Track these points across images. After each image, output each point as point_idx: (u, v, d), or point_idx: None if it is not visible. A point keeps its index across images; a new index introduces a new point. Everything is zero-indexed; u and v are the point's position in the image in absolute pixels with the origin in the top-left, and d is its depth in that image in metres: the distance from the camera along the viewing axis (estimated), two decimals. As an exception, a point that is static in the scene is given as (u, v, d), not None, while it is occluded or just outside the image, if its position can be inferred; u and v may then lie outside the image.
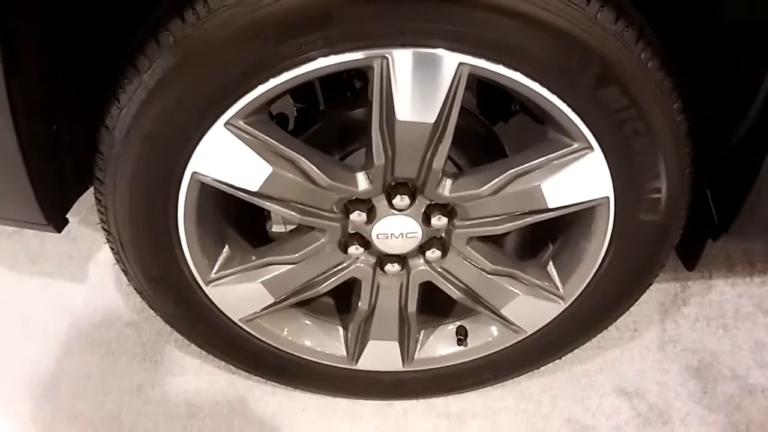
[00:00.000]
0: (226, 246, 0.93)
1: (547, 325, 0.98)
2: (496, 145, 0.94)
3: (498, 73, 0.72)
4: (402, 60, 0.71)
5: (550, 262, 0.96)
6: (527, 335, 1.00)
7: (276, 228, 0.94)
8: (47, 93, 0.78)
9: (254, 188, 0.80)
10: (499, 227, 0.88)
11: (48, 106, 0.79)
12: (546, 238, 0.97)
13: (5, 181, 0.81)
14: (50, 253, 1.35)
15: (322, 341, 1.03)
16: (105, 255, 1.33)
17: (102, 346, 1.22)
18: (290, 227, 0.93)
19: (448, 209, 0.86)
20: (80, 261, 1.34)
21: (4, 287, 1.31)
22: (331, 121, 0.90)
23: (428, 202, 0.85)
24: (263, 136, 0.77)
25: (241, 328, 0.98)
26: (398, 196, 0.83)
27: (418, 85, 0.72)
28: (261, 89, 0.72)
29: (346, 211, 0.85)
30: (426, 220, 0.87)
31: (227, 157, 0.77)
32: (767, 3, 0.77)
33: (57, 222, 0.89)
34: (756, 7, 0.78)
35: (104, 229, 0.87)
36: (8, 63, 0.68)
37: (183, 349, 1.20)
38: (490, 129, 0.94)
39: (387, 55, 0.70)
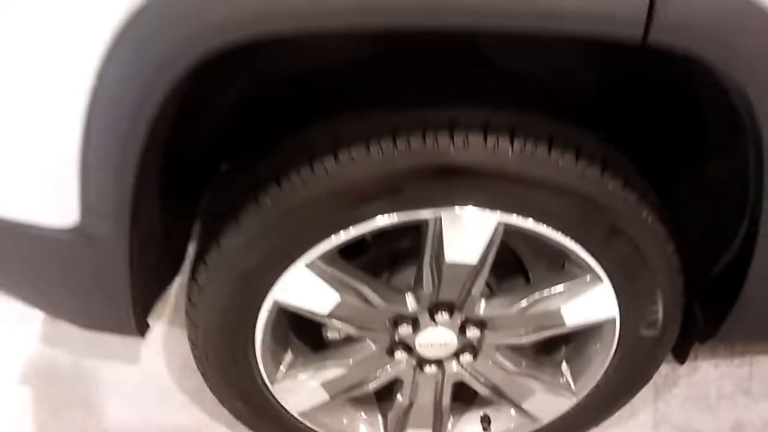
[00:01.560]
0: (289, 350, 1.08)
1: (560, 415, 1.15)
2: (522, 269, 1.12)
3: (528, 227, 0.90)
4: (452, 218, 0.88)
5: (564, 362, 1.13)
6: (543, 424, 1.17)
7: (331, 335, 1.10)
8: (158, 228, 0.94)
9: (325, 312, 0.97)
10: (524, 338, 1.05)
11: (156, 237, 0.95)
12: (560, 341, 1.14)
13: (108, 298, 0.96)
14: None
15: (364, 429, 1.19)
16: (156, 337, 1.48)
17: (159, 426, 1.36)
18: (344, 335, 1.10)
19: (480, 323, 1.03)
20: (134, 343, 1.48)
21: (64, 368, 1.45)
22: (381, 249, 1.07)
23: (464, 317, 1.02)
24: (334, 270, 0.94)
25: (297, 419, 1.13)
26: (440, 312, 1.01)
27: (464, 236, 0.90)
28: (335, 240, 0.90)
29: (395, 324, 1.02)
30: (462, 331, 1.03)
31: (305, 288, 0.94)
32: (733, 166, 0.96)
33: (142, 327, 1.04)
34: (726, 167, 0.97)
35: (190, 339, 1.02)
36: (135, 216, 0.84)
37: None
38: (517, 256, 1.12)
39: (441, 214, 0.88)
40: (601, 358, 1.07)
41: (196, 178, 1.11)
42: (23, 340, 1.48)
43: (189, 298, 0.97)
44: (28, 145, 0.78)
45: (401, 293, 1.00)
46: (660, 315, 1.01)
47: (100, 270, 0.90)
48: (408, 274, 1.04)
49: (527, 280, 1.13)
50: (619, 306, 0.99)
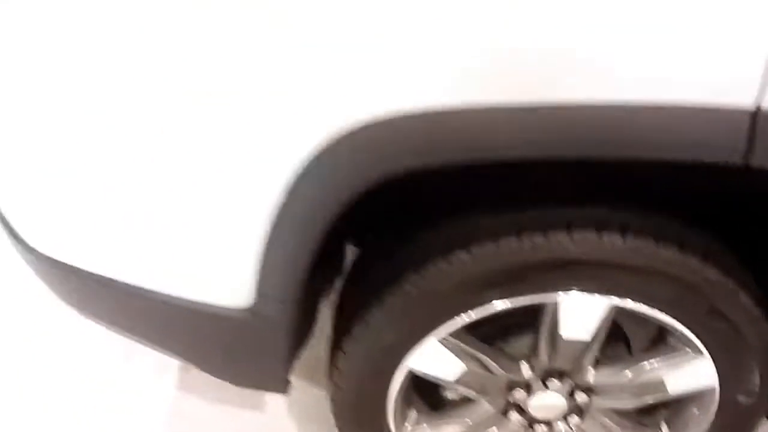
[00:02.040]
0: (414, 409, 1.22)
1: (659, 472, 1.25)
2: (627, 342, 1.24)
3: (636, 309, 1.02)
4: (569, 302, 1.01)
5: (664, 425, 1.23)
6: (643, 479, 1.27)
7: (450, 395, 1.23)
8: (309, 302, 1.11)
9: (452, 379, 1.11)
10: (628, 403, 1.16)
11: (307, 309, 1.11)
12: (661, 404, 1.24)
13: (265, 362, 1.12)
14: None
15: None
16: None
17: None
18: (461, 395, 1.23)
19: (588, 388, 1.15)
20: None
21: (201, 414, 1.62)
22: (494, 322, 1.20)
23: (574, 383, 1.14)
24: (461, 343, 1.08)
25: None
26: (552, 379, 1.13)
27: (579, 318, 1.03)
28: (464, 319, 1.04)
29: (510, 388, 1.15)
30: (571, 395, 1.15)
31: (435, 358, 1.08)
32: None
33: (286, 385, 1.19)
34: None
35: (333, 399, 1.18)
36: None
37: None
38: (623, 331, 1.23)
39: (558, 299, 1.01)
40: (700, 422, 1.17)
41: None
42: (163, 387, 1.68)
43: (335, 365, 1.13)
44: (220, 241, 0.96)
45: (517, 362, 1.13)
46: (757, 384, 1.11)
47: (263, 340, 1.06)
48: (516, 342, 1.17)
49: (628, 346, 1.24)
50: (719, 376, 1.09)
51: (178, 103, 0.86)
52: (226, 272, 0.99)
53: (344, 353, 1.10)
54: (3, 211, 1.11)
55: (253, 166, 0.88)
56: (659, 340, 1.13)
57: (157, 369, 1.67)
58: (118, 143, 0.90)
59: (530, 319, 1.08)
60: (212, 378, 1.33)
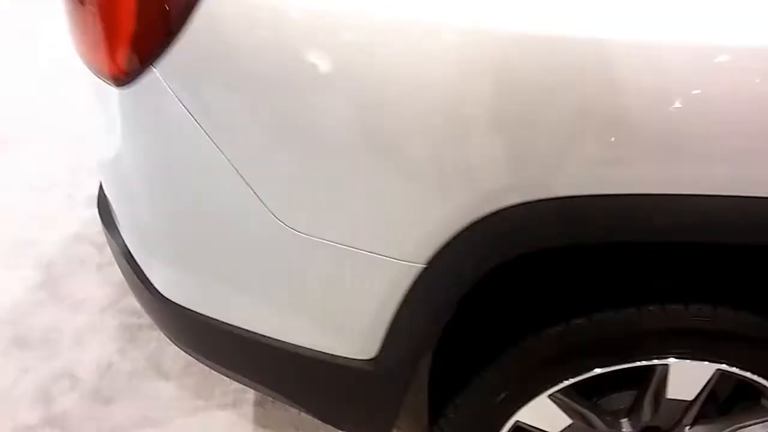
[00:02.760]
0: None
1: None
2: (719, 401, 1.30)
3: (737, 374, 1.08)
4: (678, 367, 1.07)
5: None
6: None
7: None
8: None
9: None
10: (720, 460, 1.22)
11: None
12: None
13: (376, 409, 1.18)
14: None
15: None
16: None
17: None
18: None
19: (684, 445, 1.21)
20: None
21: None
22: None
23: (671, 439, 1.20)
24: (569, 400, 1.14)
25: None
26: (650, 436, 1.19)
27: (687, 380, 1.09)
28: (569, 382, 1.10)
29: (610, 442, 1.21)
30: (666, 450, 1.21)
31: (544, 414, 1.14)
32: None
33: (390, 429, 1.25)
34: None
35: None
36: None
37: None
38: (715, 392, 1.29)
39: (669, 363, 1.07)
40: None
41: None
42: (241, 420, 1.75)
43: (444, 415, 1.19)
44: (359, 302, 1.02)
45: (619, 418, 1.19)
46: None
47: (380, 388, 1.13)
48: (616, 398, 1.23)
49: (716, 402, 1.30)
50: (812, 436, 1.15)
51: (330, 169, 0.92)
52: (359, 328, 1.05)
53: (456, 404, 1.17)
54: (137, 259, 1.18)
55: (400, 237, 0.95)
56: (754, 401, 1.19)
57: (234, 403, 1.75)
58: (265, 207, 0.97)
59: (629, 376, 1.15)
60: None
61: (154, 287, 1.16)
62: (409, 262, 0.96)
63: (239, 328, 1.12)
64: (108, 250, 2.22)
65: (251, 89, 0.89)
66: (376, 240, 0.95)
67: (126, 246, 1.20)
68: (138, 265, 1.18)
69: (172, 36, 0.88)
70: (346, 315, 1.05)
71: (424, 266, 0.96)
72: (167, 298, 1.15)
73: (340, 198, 0.94)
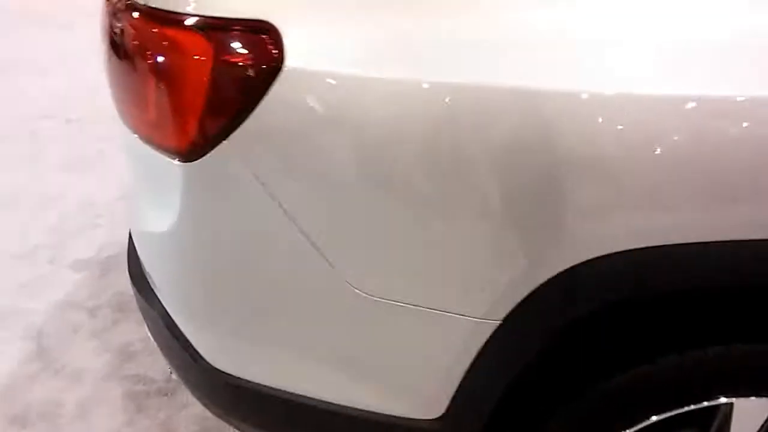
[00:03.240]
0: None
1: None
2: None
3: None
4: (744, 404, 1.09)
5: None
6: None
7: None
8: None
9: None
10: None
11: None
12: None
13: None
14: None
15: None
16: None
17: None
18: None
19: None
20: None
21: None
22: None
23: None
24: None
25: None
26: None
27: (751, 418, 1.10)
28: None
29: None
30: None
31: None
32: None
33: None
34: None
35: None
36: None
37: None
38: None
39: (734, 402, 1.09)
40: None
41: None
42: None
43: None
44: (428, 364, 1.01)
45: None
46: None
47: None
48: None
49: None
50: None
51: (406, 232, 0.92)
52: (428, 388, 1.04)
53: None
54: (182, 328, 1.14)
55: (476, 295, 0.95)
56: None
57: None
58: (336, 272, 0.96)
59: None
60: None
61: (201, 357, 1.13)
62: (484, 319, 0.96)
63: (298, 395, 1.09)
64: (102, 315, 2.16)
65: (325, 161, 0.88)
66: (451, 299, 0.95)
67: (167, 314, 1.16)
68: (182, 334, 1.14)
69: (249, 110, 0.87)
70: (415, 375, 1.04)
71: (500, 323, 0.96)
72: (216, 368, 1.11)
73: (414, 260, 0.93)
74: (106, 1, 1.05)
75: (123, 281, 2.27)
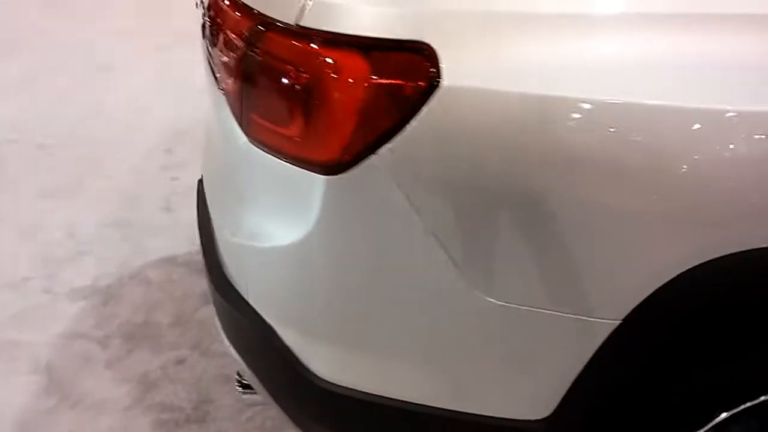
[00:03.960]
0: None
1: None
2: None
3: None
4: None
5: None
6: None
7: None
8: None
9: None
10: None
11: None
12: None
13: None
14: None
15: None
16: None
17: None
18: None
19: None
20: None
21: None
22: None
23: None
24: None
25: None
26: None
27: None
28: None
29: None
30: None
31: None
32: None
33: None
34: None
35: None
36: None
37: None
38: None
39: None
40: None
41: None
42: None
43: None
44: (548, 363, 1.07)
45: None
46: None
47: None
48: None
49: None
50: None
51: (541, 239, 0.98)
52: (541, 389, 1.09)
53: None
54: (294, 347, 1.15)
55: (600, 296, 1.01)
56: None
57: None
58: (468, 282, 1.01)
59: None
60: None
61: (309, 370, 1.14)
62: (605, 320, 1.02)
63: (412, 403, 1.12)
64: (114, 345, 2.10)
65: (472, 174, 0.93)
66: (576, 302, 1.01)
67: (264, 326, 1.16)
68: (283, 347, 1.15)
69: (401, 126, 0.92)
70: (531, 377, 1.09)
71: (620, 322, 1.03)
72: (328, 381, 1.13)
73: (544, 265, 0.99)
74: (224, 19, 1.07)
75: (127, 310, 2.23)
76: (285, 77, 0.96)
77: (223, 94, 1.10)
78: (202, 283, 2.34)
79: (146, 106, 3.68)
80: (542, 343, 1.06)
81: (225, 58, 1.08)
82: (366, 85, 0.91)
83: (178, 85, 4.03)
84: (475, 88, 0.90)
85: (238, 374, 1.46)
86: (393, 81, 0.91)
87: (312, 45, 0.93)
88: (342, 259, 1.03)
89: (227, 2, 1.08)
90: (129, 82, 3.90)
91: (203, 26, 1.30)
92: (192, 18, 1.41)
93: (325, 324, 1.11)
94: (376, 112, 0.92)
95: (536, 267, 0.99)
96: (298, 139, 0.98)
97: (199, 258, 2.41)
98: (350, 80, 0.92)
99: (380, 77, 0.91)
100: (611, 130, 0.90)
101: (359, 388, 1.12)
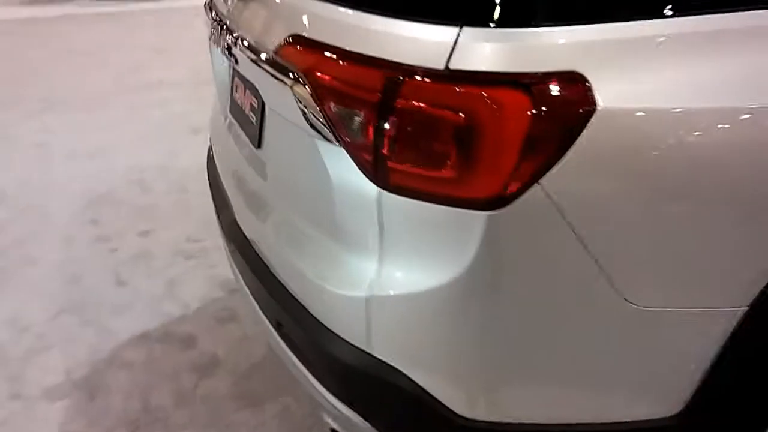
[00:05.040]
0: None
1: None
2: None
3: None
4: None
5: None
6: None
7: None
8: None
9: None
10: None
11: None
12: None
13: None
14: None
15: None
16: None
17: None
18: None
19: None
20: None
21: None
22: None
23: None
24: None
25: None
26: None
27: None
28: None
29: None
30: None
31: None
32: None
33: None
34: None
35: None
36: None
37: None
38: None
39: None
40: None
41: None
42: None
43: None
44: (683, 359, 1.12)
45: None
46: None
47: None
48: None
49: None
50: None
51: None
52: (676, 385, 1.14)
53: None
54: (429, 386, 1.13)
55: (731, 286, 1.08)
56: None
57: None
58: (615, 291, 1.04)
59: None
60: None
61: (458, 414, 1.12)
62: (736, 308, 1.10)
63: (565, 424, 1.14)
64: None
65: (632, 189, 0.98)
66: (713, 296, 1.08)
67: (408, 380, 1.13)
68: (430, 398, 1.12)
69: (562, 153, 0.95)
70: (669, 375, 1.14)
71: (746, 308, 1.11)
72: (478, 420, 1.12)
73: (690, 268, 1.05)
74: (335, 76, 1.05)
75: (120, 399, 2.05)
76: (438, 120, 0.96)
77: (340, 146, 1.07)
78: (190, 356, 2.21)
79: (50, 182, 3.42)
80: (676, 340, 1.12)
81: (340, 114, 1.05)
82: (528, 117, 0.93)
83: (71, 153, 3.80)
84: (626, 108, 0.95)
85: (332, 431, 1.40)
86: (553, 111, 0.94)
87: (467, 86, 0.94)
88: (501, 292, 1.03)
89: (342, 60, 1.06)
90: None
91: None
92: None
93: (475, 361, 1.10)
94: (538, 143, 0.94)
95: (677, 270, 1.05)
96: (455, 179, 0.97)
97: (179, 329, 2.30)
98: (513, 115, 0.93)
99: (540, 109, 0.93)
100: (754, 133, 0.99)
101: (510, 420, 1.13)
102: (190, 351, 2.24)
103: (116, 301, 2.49)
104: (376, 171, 1.04)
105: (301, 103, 1.13)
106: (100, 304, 2.48)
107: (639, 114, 0.96)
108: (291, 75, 1.15)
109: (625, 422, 1.17)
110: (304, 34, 1.16)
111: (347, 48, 1.07)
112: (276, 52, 1.20)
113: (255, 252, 1.46)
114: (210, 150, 2.01)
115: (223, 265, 2.71)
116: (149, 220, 3.05)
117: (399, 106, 0.98)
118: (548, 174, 0.95)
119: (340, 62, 1.07)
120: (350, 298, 1.16)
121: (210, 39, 1.90)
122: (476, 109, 0.94)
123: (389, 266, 1.10)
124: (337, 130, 1.07)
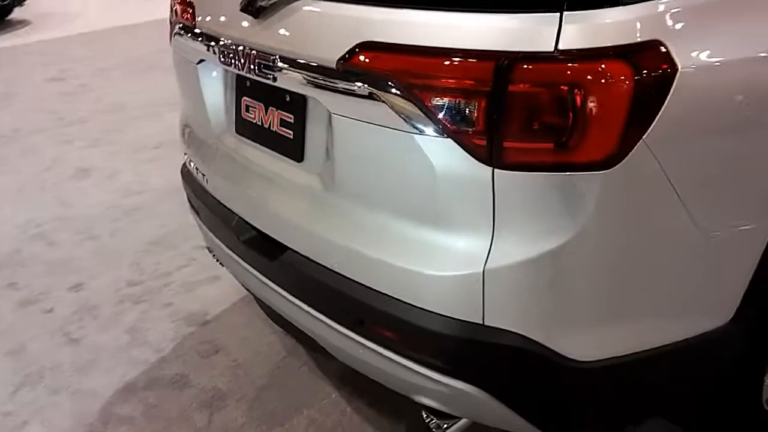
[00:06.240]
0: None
1: None
2: None
3: None
4: None
5: None
6: None
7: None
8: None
9: None
10: None
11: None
12: None
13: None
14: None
15: None
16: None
17: None
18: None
19: None
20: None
21: None
22: None
23: None
24: None
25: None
26: None
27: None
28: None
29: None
30: None
31: None
32: None
33: None
34: None
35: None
36: None
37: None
38: None
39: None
40: None
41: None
42: None
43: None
44: (736, 271, 1.34)
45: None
46: None
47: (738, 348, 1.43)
48: None
49: None
50: None
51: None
52: (729, 298, 1.37)
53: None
54: (546, 340, 1.24)
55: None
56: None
57: None
58: (695, 224, 1.24)
59: None
60: None
61: (573, 360, 1.25)
62: (769, 222, 1.33)
63: (657, 347, 1.31)
64: None
65: (714, 132, 1.19)
66: (753, 214, 1.31)
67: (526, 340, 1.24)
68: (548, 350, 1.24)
69: (657, 111, 1.11)
70: (721, 290, 1.35)
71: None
72: (590, 360, 1.25)
73: (744, 195, 1.28)
74: (441, 73, 1.14)
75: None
76: (555, 96, 1.08)
77: (447, 138, 1.15)
78: (191, 394, 2.14)
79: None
80: (728, 257, 1.33)
81: (443, 108, 1.14)
82: (631, 84, 1.08)
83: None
84: (699, 65, 1.15)
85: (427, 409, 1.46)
86: (648, 76, 1.09)
87: (579, 63, 1.07)
88: (610, 244, 1.18)
89: (436, 57, 1.15)
90: None
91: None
92: None
93: (586, 309, 1.23)
94: (639, 104, 1.10)
95: (739, 195, 1.28)
96: (573, 147, 1.10)
97: (164, 372, 2.19)
98: (620, 83, 1.08)
99: (640, 75, 1.09)
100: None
101: (614, 354, 1.27)
102: (189, 390, 2.15)
103: (77, 361, 2.32)
104: (491, 153, 1.13)
105: (388, 104, 1.19)
106: (58, 368, 2.29)
107: (710, 68, 1.15)
108: (370, 81, 1.21)
109: (694, 336, 1.36)
110: (377, 39, 1.22)
111: (438, 45, 1.15)
112: (345, 61, 1.25)
113: (312, 262, 1.47)
114: (187, 176, 1.96)
115: (179, 301, 2.61)
116: (74, 273, 2.84)
117: (513, 90, 1.09)
118: (649, 130, 1.11)
119: (434, 60, 1.15)
120: (459, 277, 1.24)
121: (179, 65, 1.86)
122: (591, 82, 1.07)
123: (501, 241, 1.20)
124: (442, 123, 1.15)
